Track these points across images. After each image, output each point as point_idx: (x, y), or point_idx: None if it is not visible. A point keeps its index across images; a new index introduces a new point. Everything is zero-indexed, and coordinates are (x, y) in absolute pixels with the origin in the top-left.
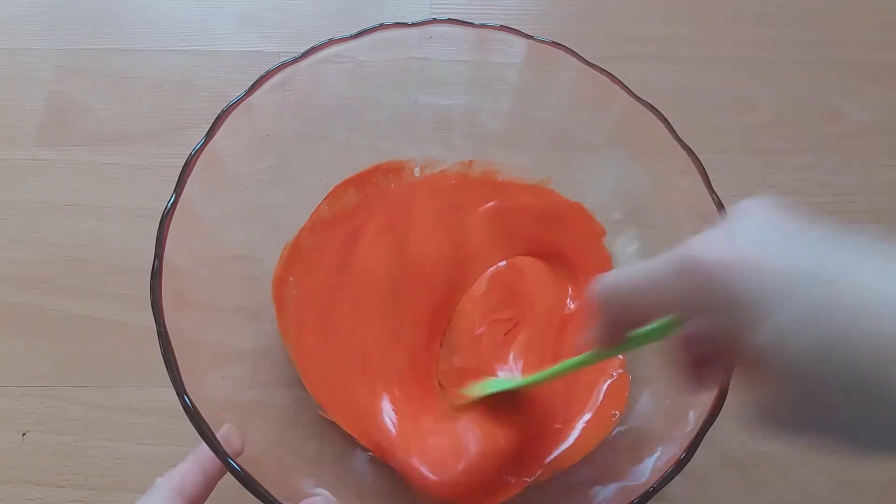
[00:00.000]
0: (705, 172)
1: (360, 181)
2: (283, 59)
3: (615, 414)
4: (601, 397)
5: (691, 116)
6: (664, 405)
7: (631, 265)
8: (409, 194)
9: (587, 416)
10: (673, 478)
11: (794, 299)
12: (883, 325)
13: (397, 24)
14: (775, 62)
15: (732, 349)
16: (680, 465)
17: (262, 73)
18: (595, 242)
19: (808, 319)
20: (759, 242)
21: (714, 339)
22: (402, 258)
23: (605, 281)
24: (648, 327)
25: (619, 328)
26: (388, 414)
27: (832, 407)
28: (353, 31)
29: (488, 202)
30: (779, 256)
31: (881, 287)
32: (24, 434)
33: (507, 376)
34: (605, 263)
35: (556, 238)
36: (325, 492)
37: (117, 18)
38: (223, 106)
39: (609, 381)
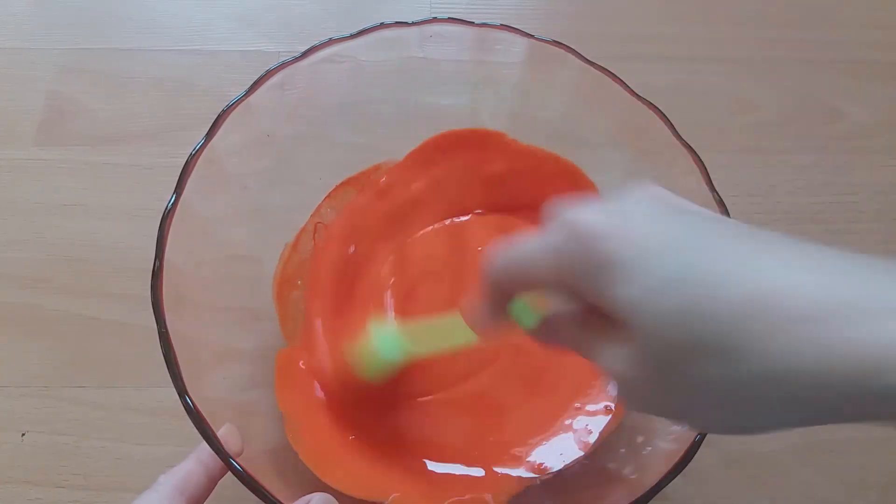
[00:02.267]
0: (707, 172)
1: (360, 181)
2: (283, 59)
3: (614, 412)
4: (603, 395)
5: (691, 116)
6: None
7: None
8: (408, 191)
9: (587, 416)
10: (673, 478)
11: (661, 263)
12: (731, 293)
13: (397, 23)
14: (775, 62)
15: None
16: (680, 465)
17: (261, 72)
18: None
19: (672, 282)
20: (634, 214)
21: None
22: (404, 258)
23: (495, 254)
24: (525, 308)
25: (502, 296)
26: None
27: (688, 369)
28: (354, 31)
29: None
30: (651, 226)
31: (733, 261)
32: (23, 434)
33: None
34: None
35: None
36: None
37: (117, 18)
38: (223, 106)
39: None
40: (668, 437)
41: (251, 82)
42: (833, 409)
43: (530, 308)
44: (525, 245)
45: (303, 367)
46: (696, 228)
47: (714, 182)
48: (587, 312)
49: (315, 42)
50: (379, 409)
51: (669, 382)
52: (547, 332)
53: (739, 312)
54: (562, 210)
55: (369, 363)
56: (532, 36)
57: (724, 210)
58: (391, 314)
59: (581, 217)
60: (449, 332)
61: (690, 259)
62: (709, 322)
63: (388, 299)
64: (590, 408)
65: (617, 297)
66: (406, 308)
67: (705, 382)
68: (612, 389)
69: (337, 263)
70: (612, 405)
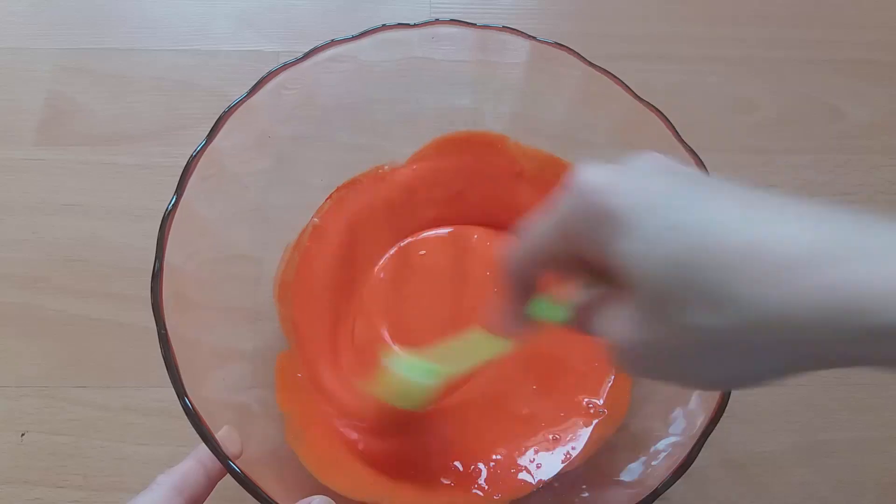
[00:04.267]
0: (707, 172)
1: (361, 182)
2: (284, 60)
3: (615, 416)
4: (603, 399)
5: (691, 116)
6: (665, 407)
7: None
8: (409, 193)
9: (588, 419)
10: (674, 482)
11: (656, 214)
12: (723, 242)
13: (399, 24)
14: (775, 62)
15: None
16: (681, 469)
17: (261, 72)
18: None
19: (667, 231)
20: (633, 172)
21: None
22: (406, 257)
23: (507, 249)
24: (546, 303)
25: (524, 289)
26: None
27: (681, 319)
28: (355, 32)
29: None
30: (648, 181)
31: (725, 212)
32: (23, 434)
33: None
34: None
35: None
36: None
37: (117, 18)
38: (223, 106)
39: (610, 383)
40: (670, 441)
41: (251, 82)
42: (818, 354)
43: (554, 302)
44: (534, 225)
45: (300, 377)
46: (691, 183)
47: None
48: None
49: (316, 43)
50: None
51: (665, 336)
52: (580, 318)
53: (730, 261)
54: (571, 174)
55: (404, 394)
56: (534, 38)
57: None
58: (393, 344)
59: (583, 176)
60: (474, 348)
61: (684, 210)
62: (701, 270)
63: (388, 304)
64: (590, 412)
65: (616, 251)
66: (406, 312)
67: (699, 331)
68: (612, 358)
69: (334, 266)
70: (605, 411)
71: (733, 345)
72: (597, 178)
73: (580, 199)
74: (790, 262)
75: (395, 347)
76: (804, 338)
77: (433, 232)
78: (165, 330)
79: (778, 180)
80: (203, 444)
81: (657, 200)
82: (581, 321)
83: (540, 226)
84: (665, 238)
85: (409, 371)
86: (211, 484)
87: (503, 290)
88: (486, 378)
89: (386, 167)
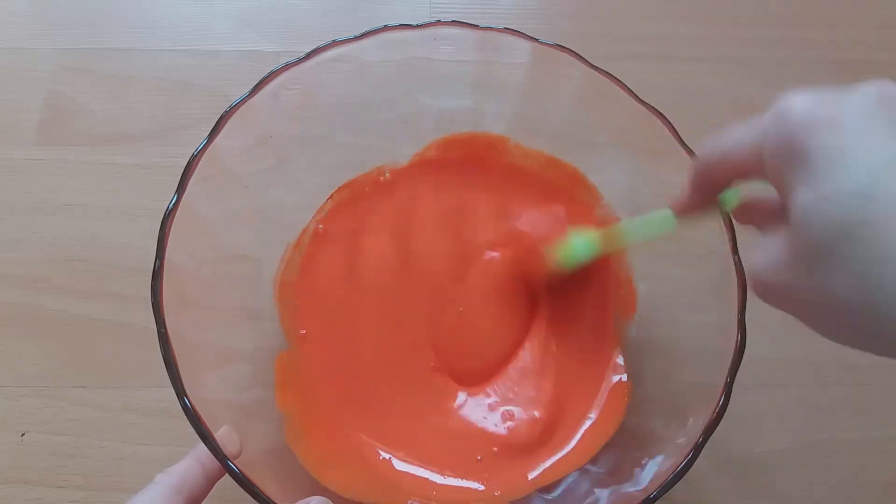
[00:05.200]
0: None
1: (362, 181)
2: (284, 60)
3: (615, 416)
4: (603, 401)
5: (691, 116)
6: (666, 408)
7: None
8: (411, 193)
9: (588, 421)
10: (674, 485)
11: (854, 176)
12: None
13: (401, 25)
14: (775, 62)
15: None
16: (681, 470)
17: (261, 72)
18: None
19: (849, 197)
20: (854, 114)
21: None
22: (407, 257)
23: (705, 143)
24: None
25: (711, 184)
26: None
27: (824, 283)
28: (357, 33)
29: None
30: (857, 135)
31: None
32: (22, 434)
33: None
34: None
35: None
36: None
37: (117, 18)
38: (223, 105)
39: (610, 386)
40: (670, 443)
41: (251, 82)
42: None
43: (734, 192)
44: (735, 129)
45: (303, 333)
46: None
47: None
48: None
49: (316, 43)
50: (380, 414)
51: (802, 287)
52: (745, 215)
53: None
54: (781, 96)
55: (566, 254)
56: (535, 39)
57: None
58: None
59: (795, 101)
60: (647, 224)
61: (879, 181)
62: (866, 250)
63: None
64: (590, 414)
65: (796, 193)
66: (405, 313)
67: (837, 300)
68: (748, 279)
69: (334, 266)
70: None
71: (864, 325)
72: (807, 110)
73: (782, 125)
74: None
75: None
76: None
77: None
78: (165, 330)
79: None
80: (202, 443)
81: (856, 158)
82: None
83: (735, 136)
84: (848, 204)
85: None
86: (210, 483)
87: (691, 177)
88: (487, 383)
89: (387, 168)
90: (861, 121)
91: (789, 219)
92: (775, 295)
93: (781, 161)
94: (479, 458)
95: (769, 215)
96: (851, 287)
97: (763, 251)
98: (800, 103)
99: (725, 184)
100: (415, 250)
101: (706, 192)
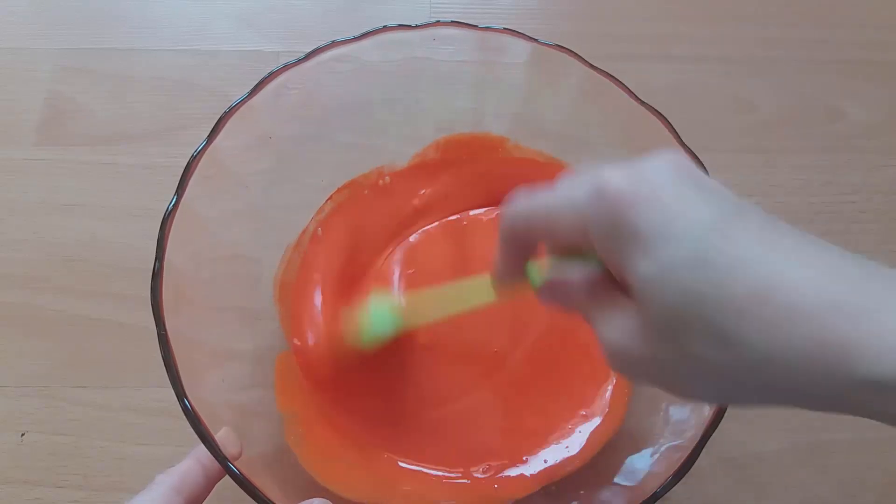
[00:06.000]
0: (706, 172)
1: (362, 183)
2: (284, 60)
3: (615, 417)
4: (604, 401)
5: (691, 116)
6: (665, 410)
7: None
8: (411, 195)
9: (588, 422)
10: (674, 485)
11: (683, 244)
12: (741, 283)
13: (401, 25)
14: (775, 62)
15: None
16: (681, 471)
17: (262, 72)
18: None
19: (690, 261)
20: (664, 186)
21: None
22: (405, 263)
23: (517, 199)
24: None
25: (522, 249)
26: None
27: (688, 347)
28: (357, 33)
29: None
30: (679, 203)
31: (748, 250)
32: (22, 434)
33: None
34: None
35: None
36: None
37: (117, 18)
38: (223, 105)
39: (611, 386)
40: (670, 443)
41: (251, 82)
42: (806, 397)
43: (539, 268)
44: (548, 196)
45: (297, 342)
46: (721, 211)
47: None
48: (599, 278)
49: (316, 43)
50: (381, 413)
51: (664, 356)
52: (553, 292)
53: (747, 305)
54: (586, 168)
55: (364, 330)
56: (535, 40)
57: None
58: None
59: (610, 179)
60: (458, 296)
61: (710, 244)
62: (717, 309)
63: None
64: (591, 414)
65: (635, 269)
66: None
67: (701, 360)
68: (605, 356)
69: (334, 266)
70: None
71: (732, 377)
72: (625, 186)
73: (606, 205)
74: (798, 311)
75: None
76: (796, 383)
77: (434, 232)
78: (165, 330)
79: (778, 180)
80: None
81: (684, 226)
82: (564, 297)
83: (554, 205)
84: (686, 269)
85: (375, 313)
86: (210, 484)
87: (500, 239)
88: (487, 383)
89: (386, 168)
90: (676, 190)
91: (632, 293)
92: (639, 367)
93: (611, 239)
94: (479, 458)
95: (588, 293)
96: (714, 345)
97: (614, 328)
98: (615, 181)
99: (534, 248)
100: (413, 254)
101: (517, 253)
